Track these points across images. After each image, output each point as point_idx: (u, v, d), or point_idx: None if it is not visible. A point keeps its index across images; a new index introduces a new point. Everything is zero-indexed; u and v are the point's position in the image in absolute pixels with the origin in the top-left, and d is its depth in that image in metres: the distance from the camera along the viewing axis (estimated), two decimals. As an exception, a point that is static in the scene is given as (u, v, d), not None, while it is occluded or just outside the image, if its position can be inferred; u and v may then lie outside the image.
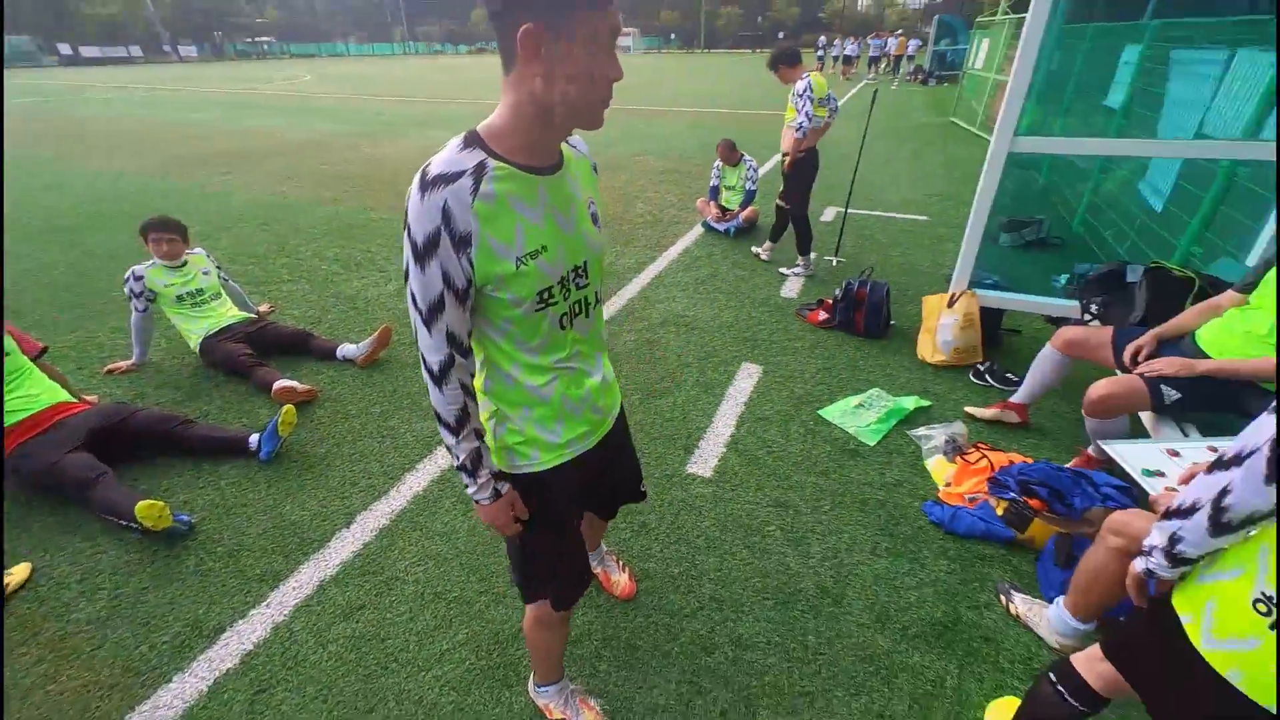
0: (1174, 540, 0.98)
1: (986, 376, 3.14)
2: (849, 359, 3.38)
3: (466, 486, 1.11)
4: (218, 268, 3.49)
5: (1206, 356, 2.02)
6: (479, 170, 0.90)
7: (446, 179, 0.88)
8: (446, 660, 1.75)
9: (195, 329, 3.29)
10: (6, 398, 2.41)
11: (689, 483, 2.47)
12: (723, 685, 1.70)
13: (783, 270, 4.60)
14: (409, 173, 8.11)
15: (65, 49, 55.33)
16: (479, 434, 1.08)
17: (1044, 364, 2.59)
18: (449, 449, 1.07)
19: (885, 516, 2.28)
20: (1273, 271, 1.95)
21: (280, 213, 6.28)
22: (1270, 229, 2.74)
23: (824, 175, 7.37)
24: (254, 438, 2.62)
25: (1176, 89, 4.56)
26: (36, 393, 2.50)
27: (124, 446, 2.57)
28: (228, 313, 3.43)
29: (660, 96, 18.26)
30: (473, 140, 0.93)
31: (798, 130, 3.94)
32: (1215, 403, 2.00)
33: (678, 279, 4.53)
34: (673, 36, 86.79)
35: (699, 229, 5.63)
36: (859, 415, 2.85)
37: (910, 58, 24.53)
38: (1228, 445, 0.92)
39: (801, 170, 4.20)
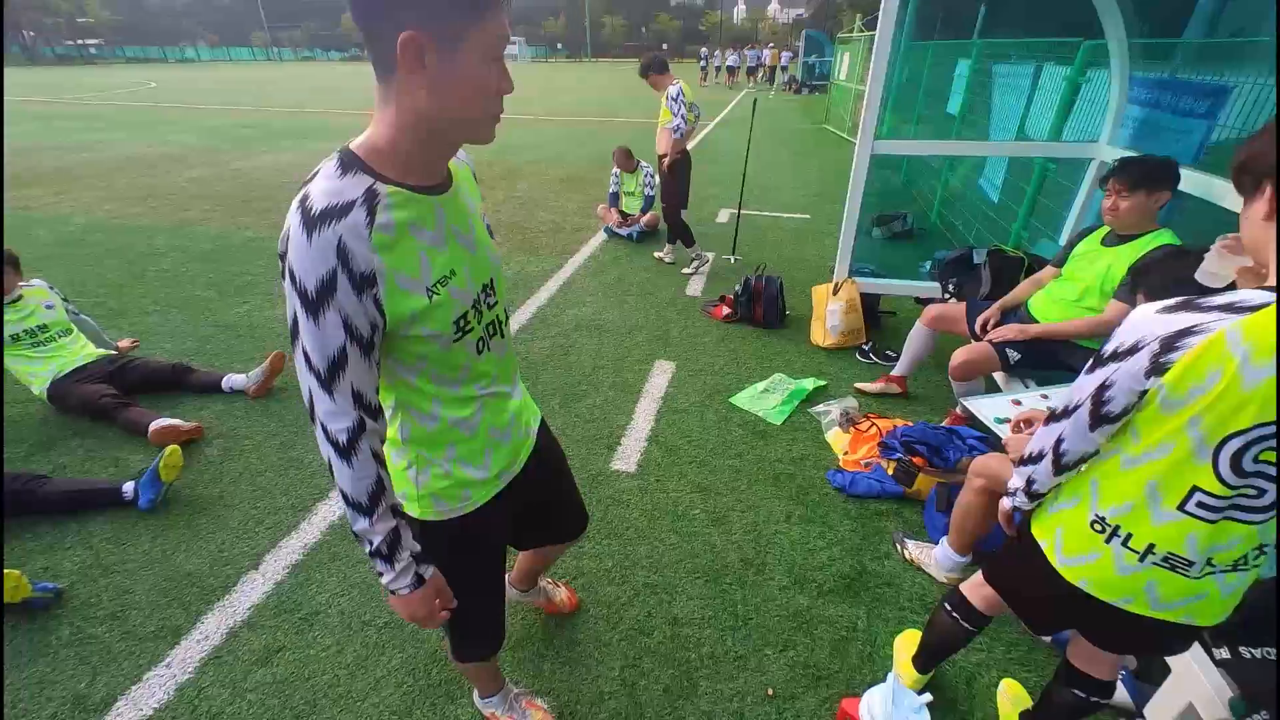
0: (1030, 482, 1.19)
1: (870, 355, 3.50)
2: (753, 349, 3.63)
3: (380, 574, 0.94)
4: (65, 300, 3.07)
5: (1036, 322, 2.42)
6: (370, 198, 0.78)
7: (336, 212, 0.75)
8: (383, 686, 1.70)
9: (40, 371, 2.87)
10: None
11: (614, 479, 2.54)
12: (663, 663, 1.78)
13: (684, 271, 4.82)
14: (288, 187, 7.52)
15: None
16: (396, 510, 0.92)
17: (916, 339, 2.94)
18: (358, 535, 0.90)
19: (795, 488, 2.49)
20: (1082, 244, 2.38)
21: (134, 236, 5.60)
22: (1074, 213, 3.30)
23: (718, 178, 7.77)
24: (128, 486, 2.35)
25: (999, 98, 5.34)
26: None
27: (-42, 515, 2.20)
28: (81, 350, 3.03)
29: (553, 104, 18.26)
30: (352, 163, 0.80)
31: (675, 131, 4.25)
32: (1046, 360, 2.39)
33: (586, 284, 4.60)
34: (560, 45, 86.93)
35: (602, 235, 5.74)
36: (765, 399, 3.07)
37: (784, 69, 26.40)
38: (1057, 393, 1.13)
39: (680, 170, 4.49)
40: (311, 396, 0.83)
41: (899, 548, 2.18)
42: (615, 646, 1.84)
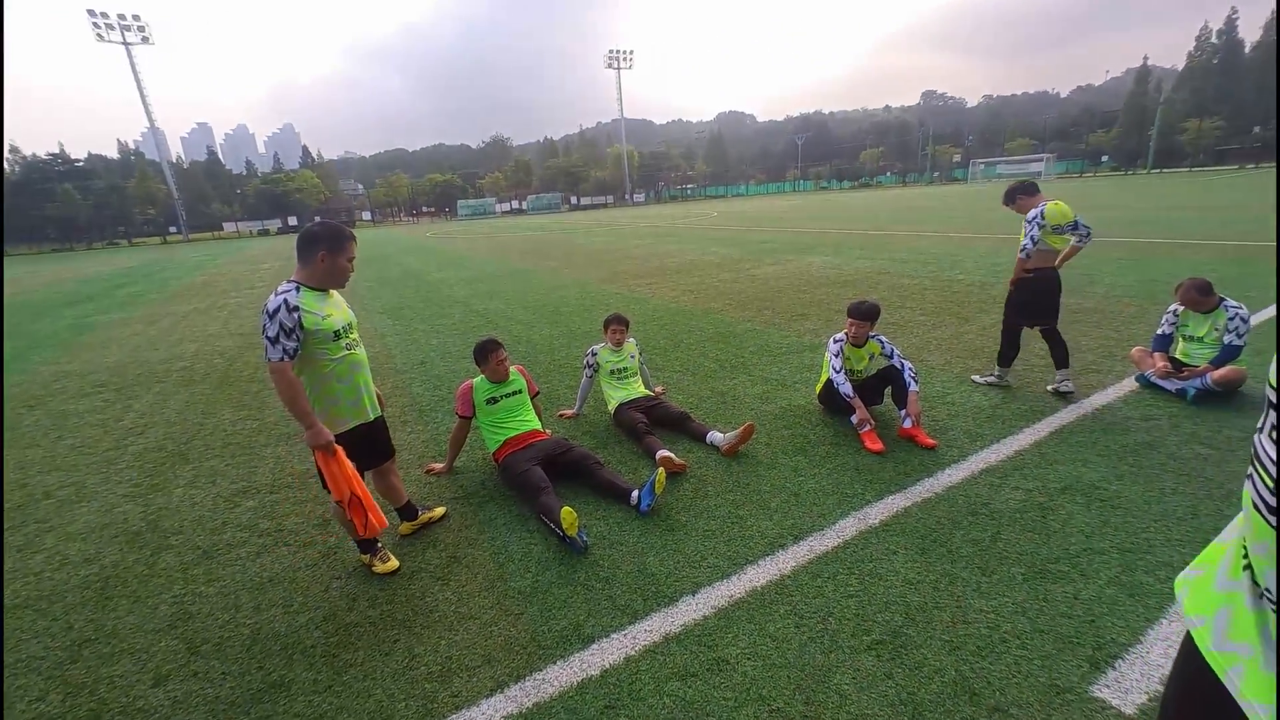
0: None
1: None
2: None
3: None
4: (640, 354, 4.54)
5: None
6: None
7: None
8: (763, 772, 1.71)
9: (616, 396, 4.31)
10: (515, 420, 3.62)
11: (1093, 710, 1.84)
12: None
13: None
14: (785, 290, 9.00)
15: (574, 200, 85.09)
16: None
17: None
18: None
19: None
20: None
21: (679, 317, 7.80)
22: None
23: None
24: (635, 493, 3.21)
25: None
26: (528, 419, 3.69)
27: (560, 469, 3.49)
28: (637, 388, 4.39)
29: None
30: None
31: (1021, 251, 4.29)
32: None
33: (1092, 440, 3.62)
34: (1104, 158, 73.94)
35: (1131, 384, 4.43)
36: None
37: None
38: None
39: (1024, 289, 4.39)
40: None
41: None
42: None
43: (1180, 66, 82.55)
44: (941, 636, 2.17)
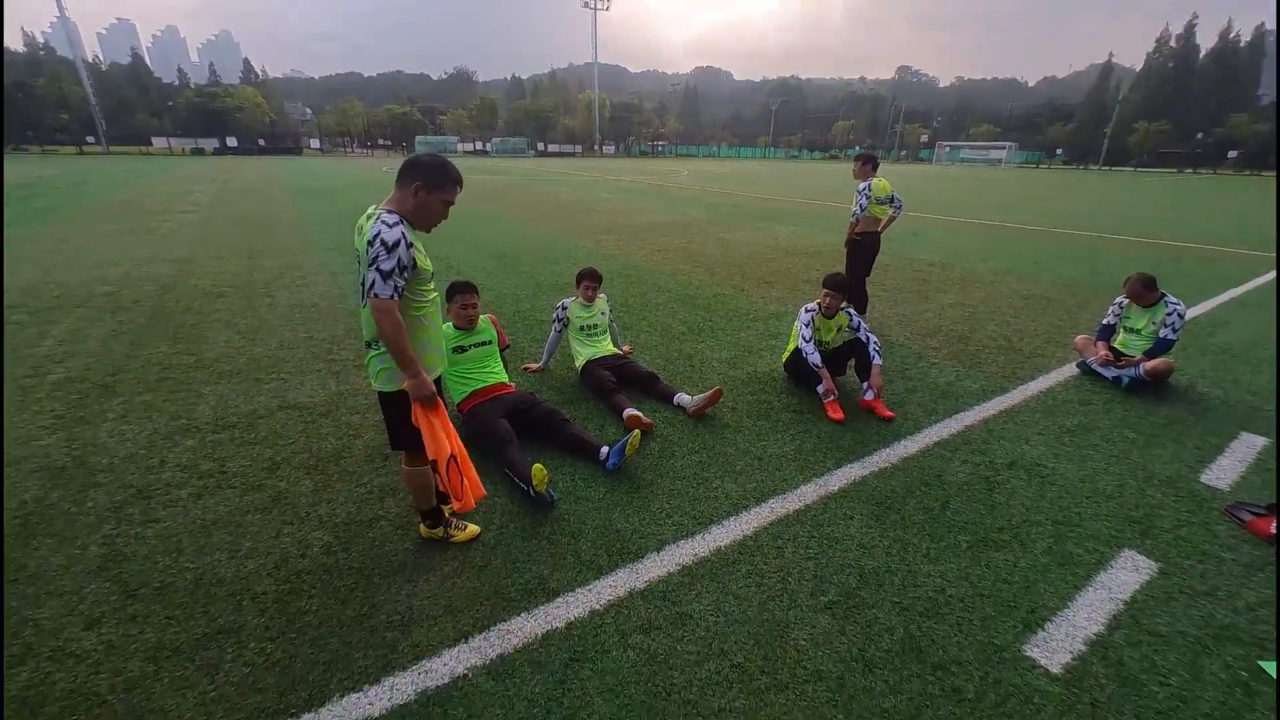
0: None
1: None
2: (1327, 606, 2.29)
3: None
4: (610, 311, 4.45)
5: None
6: None
7: None
8: (726, 718, 1.78)
9: (584, 353, 4.24)
10: (482, 371, 3.51)
11: (1024, 668, 2.00)
12: None
13: None
14: (753, 257, 9.01)
15: (541, 146, 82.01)
16: None
17: None
18: None
19: None
20: None
21: (648, 277, 7.69)
22: None
23: None
24: (604, 449, 3.19)
25: None
26: (495, 370, 3.58)
27: (525, 424, 3.43)
28: (606, 346, 4.33)
29: (1034, 214, 16.17)
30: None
31: (853, 216, 5.28)
32: None
33: (1035, 420, 3.83)
34: (1058, 151, 76.62)
35: (1073, 370, 4.69)
36: (1345, 698, 1.89)
37: None
38: None
39: (857, 249, 5.41)
40: None
41: None
42: None
43: (1139, 67, 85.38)
44: (892, 598, 2.29)
